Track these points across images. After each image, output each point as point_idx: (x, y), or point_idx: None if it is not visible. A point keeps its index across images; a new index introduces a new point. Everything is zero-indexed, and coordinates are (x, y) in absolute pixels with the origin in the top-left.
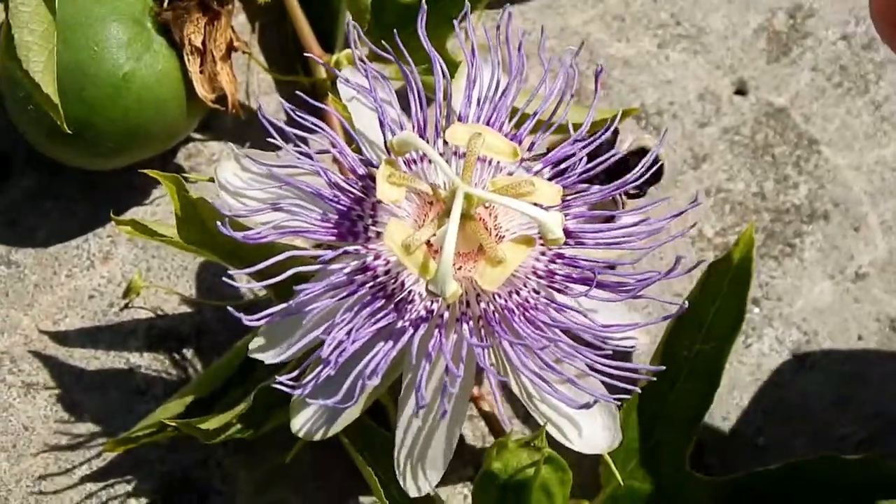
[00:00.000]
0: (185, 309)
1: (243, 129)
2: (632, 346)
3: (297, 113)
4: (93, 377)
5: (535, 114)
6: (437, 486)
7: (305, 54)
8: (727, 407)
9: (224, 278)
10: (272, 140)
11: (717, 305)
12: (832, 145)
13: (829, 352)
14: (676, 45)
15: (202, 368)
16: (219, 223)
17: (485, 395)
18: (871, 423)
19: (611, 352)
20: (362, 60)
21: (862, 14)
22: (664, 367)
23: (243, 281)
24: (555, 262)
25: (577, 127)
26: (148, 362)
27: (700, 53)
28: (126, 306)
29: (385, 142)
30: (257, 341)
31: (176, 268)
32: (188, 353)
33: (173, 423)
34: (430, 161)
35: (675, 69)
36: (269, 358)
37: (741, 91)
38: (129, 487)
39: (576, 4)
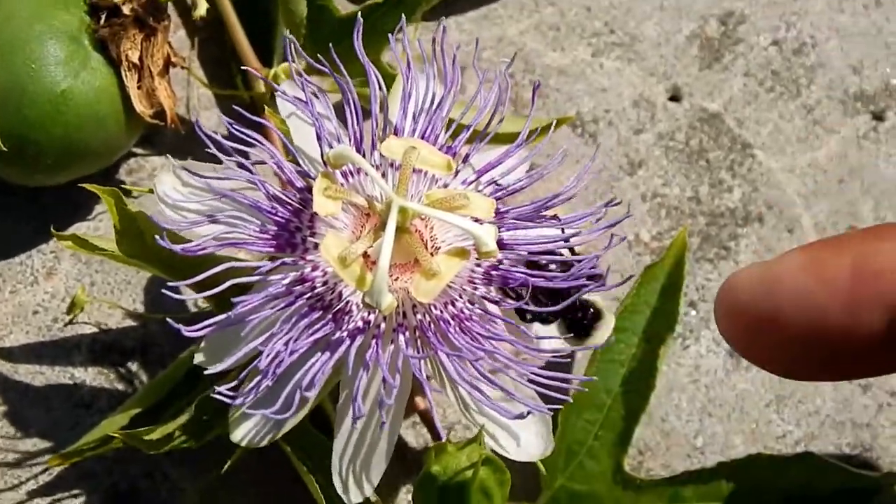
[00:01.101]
0: (130, 323)
1: (184, 143)
2: (567, 357)
3: (236, 127)
4: (38, 392)
5: (467, 128)
6: (378, 491)
7: (244, 68)
8: (665, 408)
9: (164, 290)
10: (211, 151)
11: (651, 309)
12: (765, 149)
13: None
14: (611, 53)
15: (147, 381)
16: (157, 236)
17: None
18: (808, 422)
19: (544, 362)
20: (300, 74)
21: (792, 20)
22: (596, 378)
23: (187, 293)
24: (489, 274)
25: (514, 137)
26: (93, 376)
27: (634, 61)
28: (70, 321)
29: (322, 155)
30: (201, 352)
31: (120, 282)
32: (133, 366)
33: (118, 435)
34: (366, 173)
35: (610, 77)
36: (211, 368)
37: (675, 97)
38: (77, 501)
39: (511, 15)
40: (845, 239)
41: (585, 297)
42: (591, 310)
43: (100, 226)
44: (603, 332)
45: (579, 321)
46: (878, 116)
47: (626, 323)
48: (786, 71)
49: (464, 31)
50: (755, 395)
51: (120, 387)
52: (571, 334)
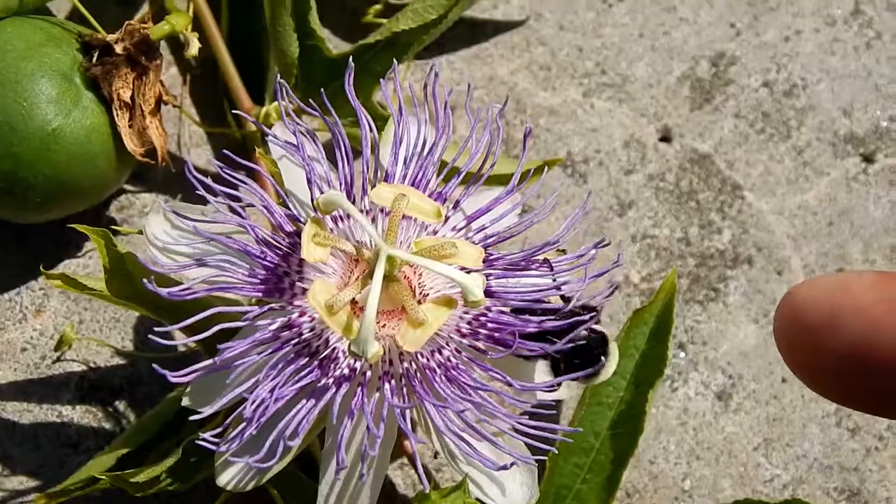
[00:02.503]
0: (118, 361)
1: (175, 180)
2: (552, 401)
3: (226, 171)
4: (25, 430)
5: (459, 173)
6: None
7: (234, 112)
8: (654, 451)
9: (151, 336)
10: (201, 193)
11: (640, 353)
12: (755, 190)
13: (754, 394)
14: (602, 93)
15: (135, 420)
16: (145, 280)
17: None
18: (797, 466)
19: (528, 411)
20: (290, 116)
21: (783, 62)
22: (581, 429)
23: (174, 333)
24: (477, 322)
25: (505, 178)
26: (80, 415)
27: (625, 101)
28: (58, 359)
29: (312, 200)
30: (188, 395)
31: (108, 320)
32: (120, 405)
33: (104, 477)
34: (356, 219)
35: (601, 117)
36: (196, 416)
37: (666, 138)
38: None
39: (503, 54)
40: None
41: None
42: (599, 336)
43: (89, 263)
44: (612, 362)
45: (591, 351)
46: (868, 158)
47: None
48: (776, 112)
49: (455, 70)
50: (743, 438)
51: (107, 426)
52: (588, 368)
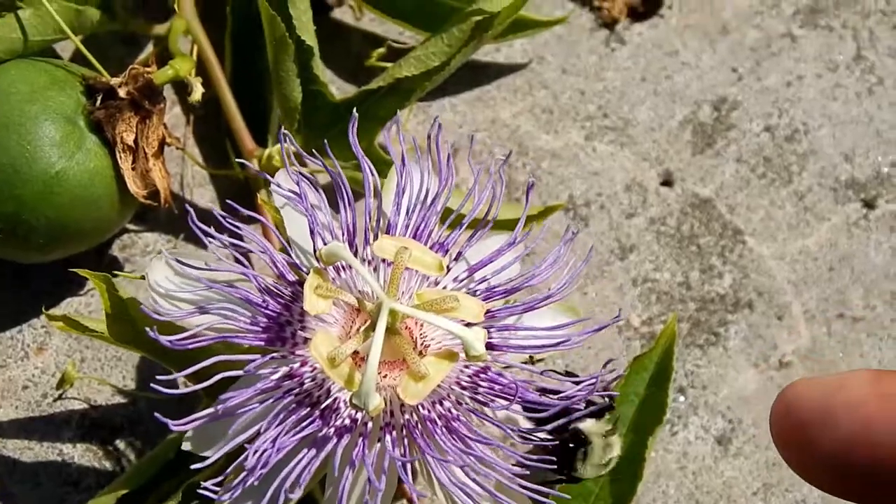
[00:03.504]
0: (119, 399)
1: (177, 220)
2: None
3: (229, 220)
4: (26, 468)
5: (461, 224)
6: None
7: (238, 161)
8: (653, 495)
9: (153, 385)
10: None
11: (640, 399)
12: (756, 235)
13: (753, 439)
14: (604, 136)
15: (135, 459)
16: (147, 329)
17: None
18: None
19: (527, 461)
20: (293, 164)
21: (785, 106)
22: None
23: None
24: (478, 375)
25: (506, 223)
26: (81, 453)
27: (627, 145)
28: (60, 397)
29: (314, 249)
30: (189, 439)
31: (110, 358)
32: (121, 444)
33: None
34: (358, 271)
35: (603, 160)
36: (197, 463)
37: (667, 182)
38: None
39: (506, 97)
40: None
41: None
42: (580, 436)
43: (91, 301)
44: (592, 463)
45: (565, 446)
46: (869, 204)
47: (615, 413)
48: (778, 157)
49: (458, 113)
50: (742, 482)
51: (108, 464)
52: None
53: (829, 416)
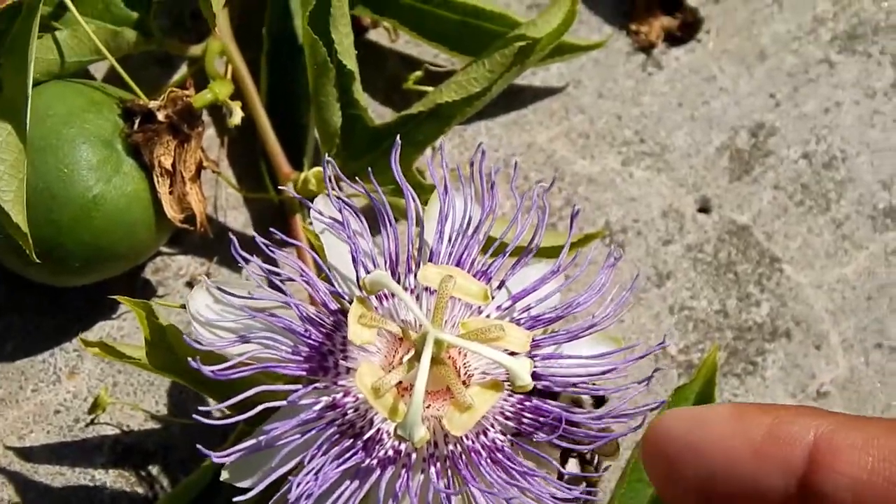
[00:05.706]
0: (152, 425)
1: (211, 243)
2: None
3: (270, 248)
4: (58, 494)
5: (504, 252)
6: None
7: (279, 188)
8: None
9: (195, 416)
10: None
11: None
12: (794, 263)
13: None
14: (640, 162)
15: (168, 485)
16: (189, 359)
17: None
18: None
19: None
20: (338, 196)
21: (822, 133)
22: None
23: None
24: (522, 405)
25: (546, 251)
26: (113, 479)
27: (664, 171)
28: (92, 422)
29: (357, 278)
30: (229, 468)
31: (142, 383)
32: (154, 469)
33: None
34: (402, 300)
35: (640, 186)
36: (239, 484)
37: (704, 209)
38: None
39: (542, 121)
40: (774, 405)
41: None
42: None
43: (123, 325)
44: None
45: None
46: None
47: None
48: (815, 184)
49: (494, 137)
50: None
51: (140, 490)
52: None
53: (693, 451)
